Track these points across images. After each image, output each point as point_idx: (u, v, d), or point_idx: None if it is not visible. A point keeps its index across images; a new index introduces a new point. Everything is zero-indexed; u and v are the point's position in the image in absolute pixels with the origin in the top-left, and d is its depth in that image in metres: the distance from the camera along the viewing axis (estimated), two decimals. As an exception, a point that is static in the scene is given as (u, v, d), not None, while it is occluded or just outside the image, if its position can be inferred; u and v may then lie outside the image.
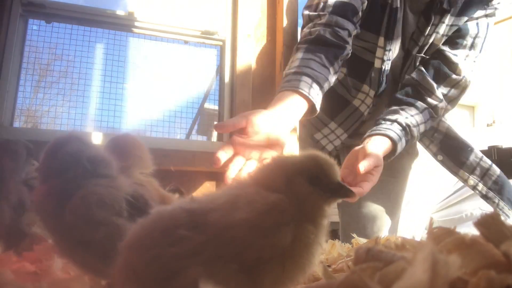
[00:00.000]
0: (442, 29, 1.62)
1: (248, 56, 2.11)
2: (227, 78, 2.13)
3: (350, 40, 1.48)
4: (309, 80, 1.29)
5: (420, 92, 1.61)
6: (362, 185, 1.29)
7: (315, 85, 1.29)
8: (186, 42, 2.23)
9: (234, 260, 0.55)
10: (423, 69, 1.65)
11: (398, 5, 1.59)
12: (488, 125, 7.74)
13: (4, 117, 1.82)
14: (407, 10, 1.67)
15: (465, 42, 1.63)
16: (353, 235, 1.29)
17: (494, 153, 1.54)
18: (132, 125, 2.16)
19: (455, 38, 1.64)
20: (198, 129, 2.39)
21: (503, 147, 1.56)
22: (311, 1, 1.60)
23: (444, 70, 1.62)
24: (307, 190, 0.62)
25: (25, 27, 1.97)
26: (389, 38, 1.61)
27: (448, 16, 1.60)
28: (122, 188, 0.84)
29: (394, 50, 1.67)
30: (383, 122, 1.51)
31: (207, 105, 2.36)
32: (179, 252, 0.54)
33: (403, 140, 1.50)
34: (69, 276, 0.87)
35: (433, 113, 1.63)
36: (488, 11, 1.62)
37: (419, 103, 1.59)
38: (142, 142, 1.06)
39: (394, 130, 1.47)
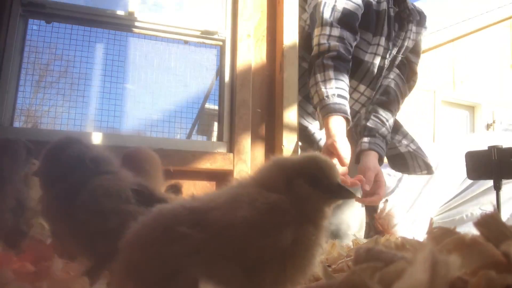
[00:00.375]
0: (412, 35, 1.94)
1: (248, 56, 2.10)
2: (227, 78, 2.13)
3: (352, 50, 1.72)
4: (347, 103, 1.60)
5: (398, 96, 1.94)
6: (377, 191, 1.59)
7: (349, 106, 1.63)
8: (186, 42, 2.22)
9: (235, 259, 0.55)
10: (401, 75, 1.96)
11: (392, 14, 1.87)
12: (488, 125, 7.73)
13: (4, 117, 1.82)
14: None
15: (418, 53, 2.02)
16: (353, 235, 1.30)
17: (494, 153, 1.53)
18: (132, 125, 2.16)
19: (414, 49, 2.00)
20: (198, 129, 2.38)
21: (503, 147, 1.55)
22: None
23: (409, 76, 2.00)
24: (307, 191, 0.61)
25: (25, 27, 1.97)
26: (391, 39, 1.85)
27: (413, 25, 1.93)
28: (126, 179, 0.87)
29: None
30: (377, 135, 1.78)
31: (207, 105, 2.35)
32: (180, 250, 0.54)
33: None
34: (69, 276, 0.87)
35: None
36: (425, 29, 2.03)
37: (395, 112, 1.91)
38: (156, 157, 1.08)
39: (384, 148, 1.77)
